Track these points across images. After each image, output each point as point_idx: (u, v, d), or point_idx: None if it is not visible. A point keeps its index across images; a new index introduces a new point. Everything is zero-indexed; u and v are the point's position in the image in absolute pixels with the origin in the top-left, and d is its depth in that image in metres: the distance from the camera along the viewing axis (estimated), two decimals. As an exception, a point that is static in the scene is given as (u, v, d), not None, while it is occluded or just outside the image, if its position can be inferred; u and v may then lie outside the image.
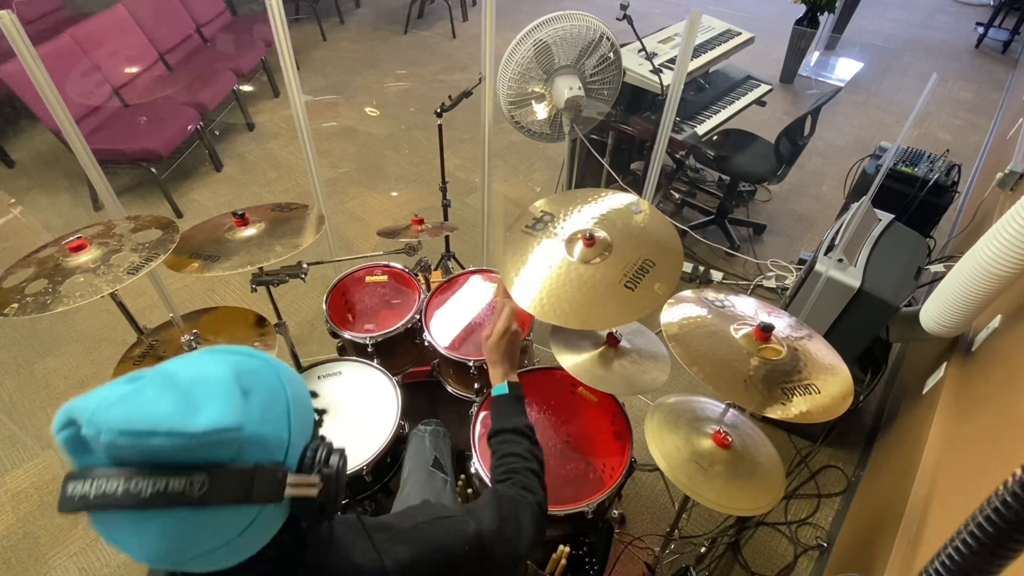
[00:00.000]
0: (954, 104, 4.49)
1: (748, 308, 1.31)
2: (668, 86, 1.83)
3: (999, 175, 2.14)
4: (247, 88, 4.32)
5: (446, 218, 2.51)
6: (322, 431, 0.67)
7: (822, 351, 1.23)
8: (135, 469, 0.48)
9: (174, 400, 0.50)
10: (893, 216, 2.06)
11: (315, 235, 1.48)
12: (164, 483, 0.48)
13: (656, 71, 2.33)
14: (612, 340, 1.43)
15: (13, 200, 3.40)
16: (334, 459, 0.62)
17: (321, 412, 0.67)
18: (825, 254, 1.86)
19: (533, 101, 2.14)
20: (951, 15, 6.22)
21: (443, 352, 1.61)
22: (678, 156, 3.20)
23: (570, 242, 1.32)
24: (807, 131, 2.76)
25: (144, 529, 0.50)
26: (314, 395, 0.67)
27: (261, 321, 1.54)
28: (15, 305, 1.16)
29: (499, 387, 1.07)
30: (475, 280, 1.88)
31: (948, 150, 2.53)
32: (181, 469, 0.49)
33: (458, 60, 5.07)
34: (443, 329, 1.71)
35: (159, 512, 0.49)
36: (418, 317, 1.71)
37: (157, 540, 0.50)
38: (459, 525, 0.78)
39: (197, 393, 0.52)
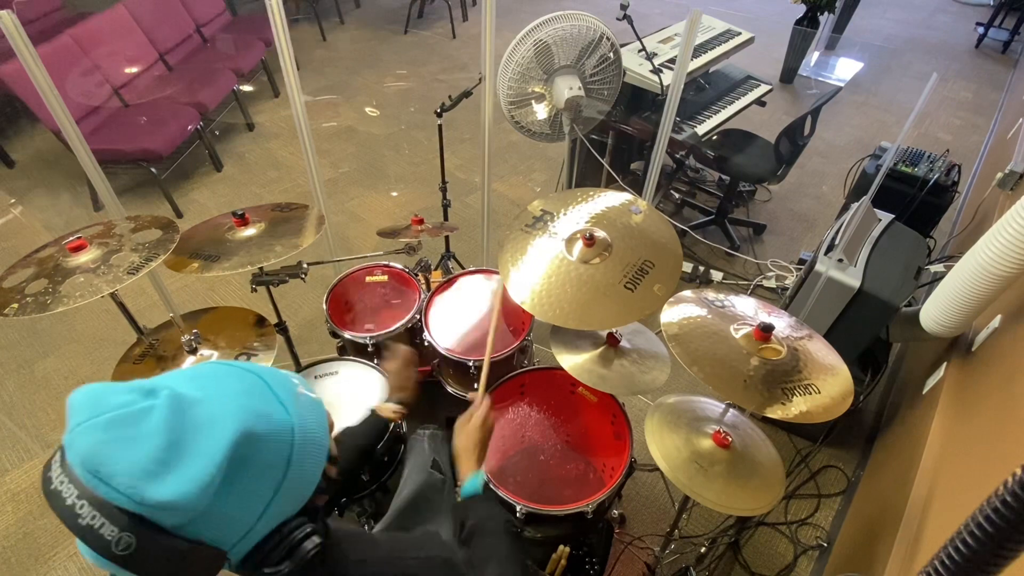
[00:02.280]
0: (954, 104, 4.49)
1: (748, 308, 1.31)
2: (668, 86, 1.83)
3: (999, 175, 2.14)
4: (247, 88, 4.32)
5: (446, 218, 2.50)
6: None
7: (822, 351, 1.23)
8: (95, 487, 0.47)
9: (156, 448, 0.48)
10: (893, 216, 2.06)
11: (315, 235, 1.48)
12: (100, 523, 0.47)
13: (656, 71, 2.33)
14: (612, 340, 1.43)
15: (13, 200, 3.40)
16: (306, 545, 0.57)
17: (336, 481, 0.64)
18: (825, 254, 1.86)
19: (533, 101, 2.14)
20: (951, 15, 6.22)
21: (443, 352, 1.61)
22: (678, 156, 3.20)
23: (570, 242, 1.32)
24: (807, 131, 2.76)
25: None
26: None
27: (261, 321, 1.54)
28: (15, 305, 1.16)
29: (473, 483, 0.97)
30: (475, 280, 1.88)
31: (948, 150, 2.53)
32: (121, 517, 0.47)
33: (458, 60, 5.07)
34: (443, 329, 1.71)
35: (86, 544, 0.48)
36: (418, 317, 1.71)
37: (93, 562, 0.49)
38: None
39: (184, 448, 0.50)
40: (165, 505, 0.48)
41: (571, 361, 1.39)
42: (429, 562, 0.74)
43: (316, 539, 0.58)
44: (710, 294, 1.34)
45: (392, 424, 1.20)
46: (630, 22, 2.10)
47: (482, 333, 1.74)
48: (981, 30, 5.44)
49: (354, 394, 1.52)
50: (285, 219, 1.55)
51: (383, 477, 1.48)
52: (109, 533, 0.47)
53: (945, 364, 1.66)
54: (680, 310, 1.28)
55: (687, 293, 1.33)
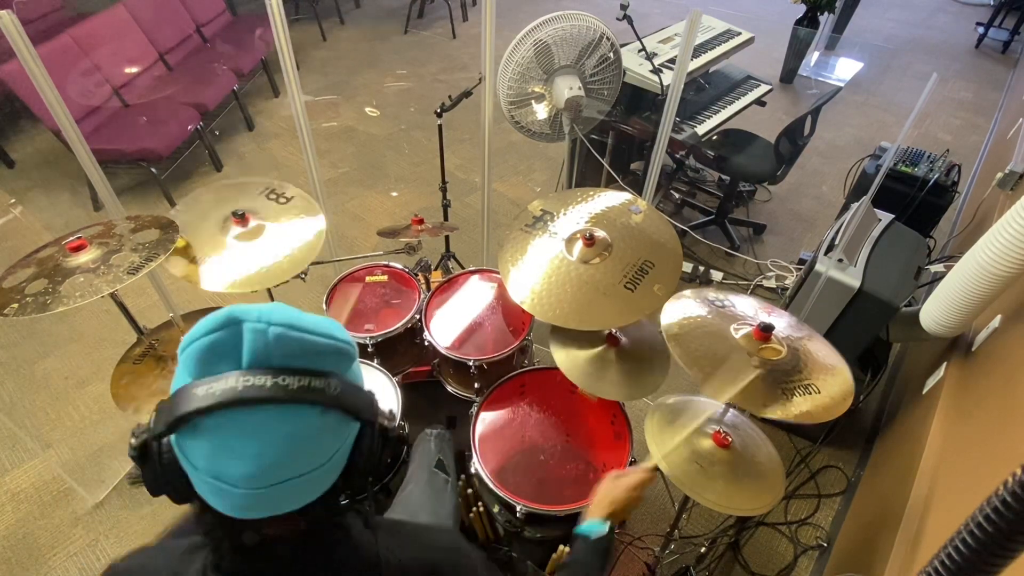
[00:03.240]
0: (954, 104, 4.49)
1: (748, 308, 1.31)
2: (668, 86, 1.83)
3: (999, 175, 2.14)
4: (247, 88, 4.32)
5: (446, 218, 2.50)
6: None
7: (822, 351, 1.23)
8: (281, 368, 0.53)
9: (313, 319, 0.57)
10: (893, 216, 2.06)
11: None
12: (307, 380, 0.53)
13: (656, 71, 2.33)
14: (612, 340, 1.43)
15: (13, 200, 3.40)
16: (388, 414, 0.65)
17: None
18: (825, 254, 1.86)
19: (533, 101, 2.14)
20: (951, 15, 6.22)
21: (443, 352, 1.61)
22: (678, 156, 3.20)
23: (570, 242, 1.32)
24: (807, 131, 2.76)
25: (271, 429, 0.52)
26: None
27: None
28: (15, 305, 1.16)
29: (600, 524, 0.98)
30: (475, 280, 1.88)
31: (948, 150, 2.53)
32: (316, 372, 0.54)
33: (458, 60, 5.07)
34: (443, 329, 1.71)
35: (293, 410, 0.53)
36: (418, 317, 1.71)
37: (277, 443, 0.52)
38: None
39: (323, 321, 0.59)
40: (350, 342, 0.60)
41: (570, 364, 1.39)
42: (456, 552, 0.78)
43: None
44: (710, 294, 1.34)
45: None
46: (630, 22, 2.10)
47: (482, 333, 1.74)
48: (981, 30, 5.44)
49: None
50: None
51: (385, 478, 1.48)
52: (320, 382, 0.54)
53: (945, 364, 1.66)
54: (680, 310, 1.28)
55: (687, 292, 1.33)
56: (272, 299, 1.68)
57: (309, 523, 0.61)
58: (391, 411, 0.64)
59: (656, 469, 1.14)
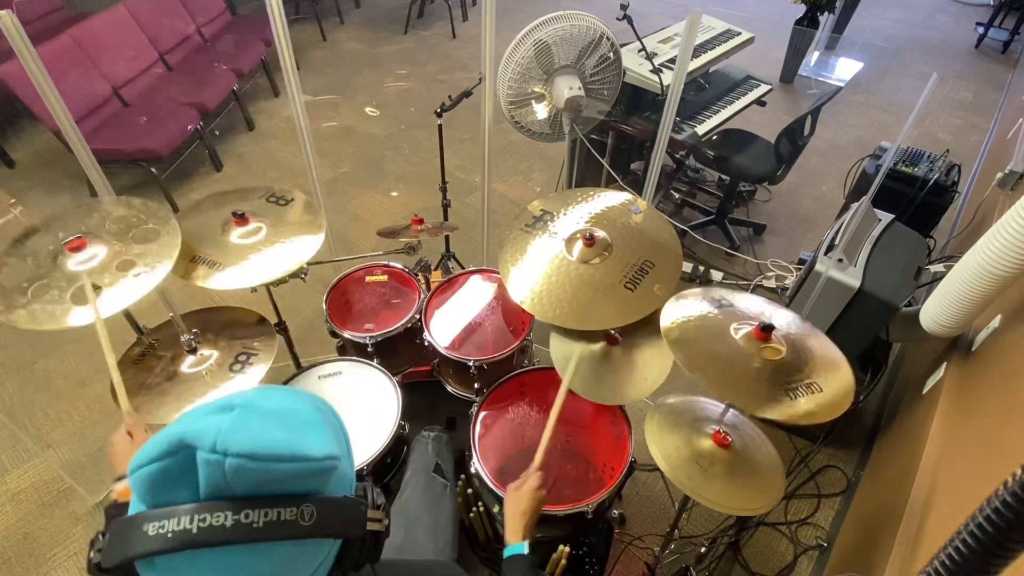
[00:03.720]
0: (954, 104, 4.49)
1: (753, 306, 1.31)
2: (668, 86, 1.83)
3: (999, 175, 2.14)
4: (247, 88, 4.32)
5: (446, 218, 2.50)
6: None
7: (823, 348, 1.23)
8: (242, 501, 0.46)
9: (281, 429, 0.49)
10: (893, 216, 2.06)
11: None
12: (276, 513, 0.47)
13: (656, 71, 2.32)
14: (612, 340, 1.43)
15: (13, 200, 3.40)
16: (380, 499, 0.59)
17: None
18: (825, 254, 1.86)
19: (533, 101, 2.14)
20: (951, 15, 6.21)
21: (443, 352, 1.61)
22: (678, 156, 3.20)
23: (570, 242, 1.32)
24: (807, 131, 2.76)
25: (236, 566, 0.47)
26: None
27: (261, 321, 1.54)
28: (22, 311, 1.16)
29: (519, 546, 0.97)
30: (475, 280, 1.88)
31: (948, 150, 2.53)
32: (286, 499, 0.48)
33: (458, 60, 5.07)
34: (443, 329, 1.71)
35: (261, 548, 0.47)
36: (418, 317, 1.71)
37: None
38: None
39: (294, 424, 0.51)
40: (327, 456, 0.51)
41: (569, 371, 1.38)
42: None
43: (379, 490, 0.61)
44: (714, 293, 1.33)
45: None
46: (630, 22, 2.10)
47: (482, 333, 1.74)
48: (981, 30, 5.44)
49: (358, 395, 1.52)
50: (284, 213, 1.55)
51: (385, 478, 1.48)
52: (291, 514, 0.48)
53: (945, 364, 1.66)
54: (680, 310, 1.28)
55: (688, 291, 1.33)
56: (272, 300, 1.68)
57: None
58: (380, 503, 0.59)
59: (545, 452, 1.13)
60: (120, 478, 0.84)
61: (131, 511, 0.48)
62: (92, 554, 0.51)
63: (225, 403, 0.51)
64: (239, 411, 0.49)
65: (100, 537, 0.51)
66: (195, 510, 0.45)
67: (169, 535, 0.45)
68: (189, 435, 0.46)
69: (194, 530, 0.45)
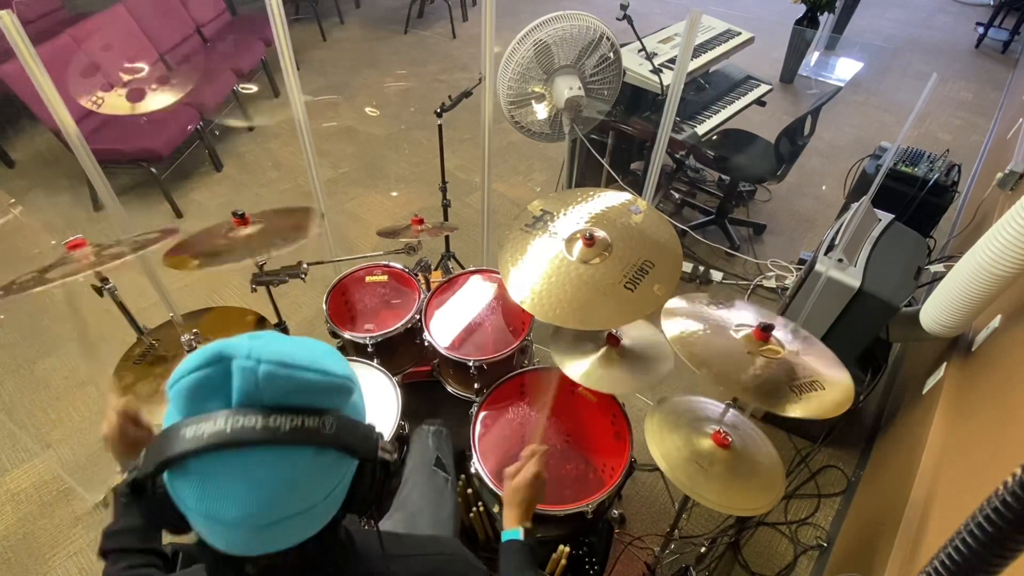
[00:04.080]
0: (954, 104, 4.49)
1: (746, 317, 1.31)
2: (668, 86, 1.83)
3: (999, 175, 2.14)
4: (247, 88, 4.31)
5: (446, 218, 2.50)
6: None
7: (819, 354, 1.23)
8: (271, 407, 0.51)
9: (306, 351, 0.54)
10: (893, 216, 2.06)
11: (315, 235, 1.48)
12: (300, 420, 0.51)
13: (656, 71, 2.32)
14: (612, 340, 1.43)
15: (13, 200, 3.40)
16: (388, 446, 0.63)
17: None
18: (825, 254, 1.86)
19: (533, 101, 2.14)
20: (951, 15, 6.21)
21: (443, 352, 1.61)
22: (678, 156, 3.20)
23: (570, 242, 1.32)
24: (807, 131, 2.76)
25: (262, 472, 0.50)
26: None
27: (261, 321, 1.54)
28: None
29: (514, 532, 0.98)
30: (475, 280, 1.88)
31: (948, 150, 2.53)
32: (310, 410, 0.52)
33: (458, 60, 5.07)
34: (443, 329, 1.71)
35: (286, 451, 0.51)
36: (418, 317, 1.71)
37: (270, 485, 0.51)
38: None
39: (315, 350, 0.56)
40: (346, 376, 0.57)
41: (572, 364, 1.39)
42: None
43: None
44: (705, 309, 1.33)
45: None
46: (630, 22, 2.10)
47: (482, 333, 1.74)
48: (981, 30, 5.44)
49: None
50: (285, 219, 1.55)
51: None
52: (313, 422, 0.52)
53: (945, 364, 1.66)
54: (678, 324, 1.28)
55: (682, 305, 1.32)
56: (272, 300, 1.68)
57: (311, 553, 0.60)
58: (390, 441, 0.63)
59: (541, 440, 1.12)
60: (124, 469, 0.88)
61: (167, 422, 0.52)
62: (126, 477, 0.54)
63: (256, 334, 0.55)
64: (268, 336, 0.55)
65: (131, 464, 0.54)
66: (229, 414, 0.50)
67: (204, 436, 0.49)
68: (226, 347, 0.51)
69: (227, 430, 0.49)
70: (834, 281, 1.80)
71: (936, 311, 1.56)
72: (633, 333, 1.50)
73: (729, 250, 3.07)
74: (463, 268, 2.44)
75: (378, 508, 0.62)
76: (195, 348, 1.40)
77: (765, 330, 1.16)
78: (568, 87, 2.04)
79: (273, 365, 0.50)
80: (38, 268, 1.24)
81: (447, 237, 2.57)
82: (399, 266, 1.91)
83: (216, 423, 0.49)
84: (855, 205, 2.05)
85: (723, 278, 2.93)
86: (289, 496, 0.52)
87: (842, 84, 4.72)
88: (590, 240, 1.28)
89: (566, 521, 1.33)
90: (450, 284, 1.86)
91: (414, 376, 1.83)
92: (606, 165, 2.54)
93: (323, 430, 0.52)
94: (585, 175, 2.85)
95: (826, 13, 4.44)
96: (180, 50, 4.03)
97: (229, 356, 0.51)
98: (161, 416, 0.54)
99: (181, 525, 0.54)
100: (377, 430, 0.60)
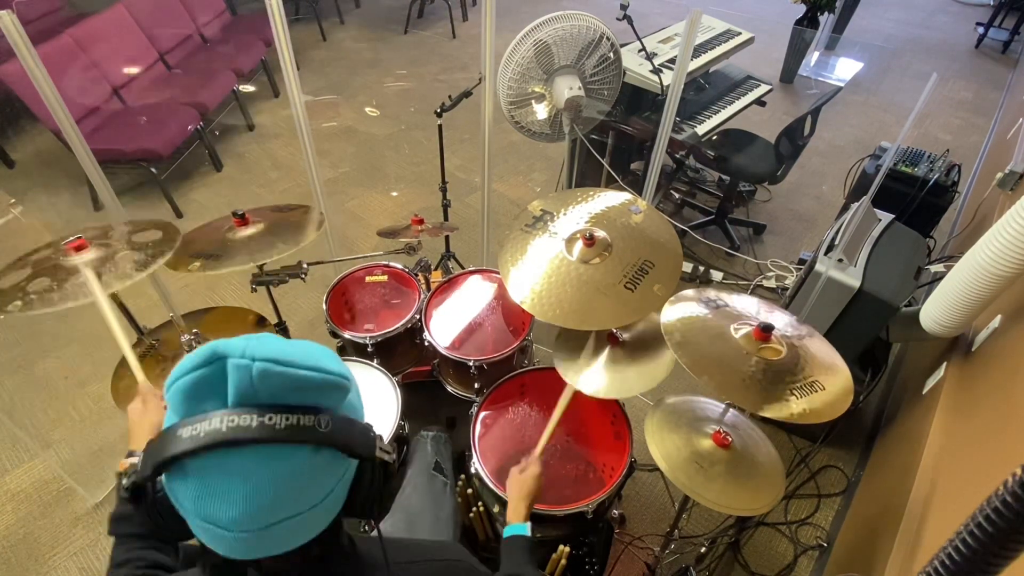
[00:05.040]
0: (954, 104, 4.49)
1: (748, 307, 1.31)
2: (668, 86, 1.83)
3: (999, 175, 2.14)
4: (247, 88, 4.32)
5: (446, 218, 2.51)
6: None
7: (822, 350, 1.23)
8: (267, 405, 0.51)
9: (300, 350, 0.54)
10: (893, 216, 2.06)
11: (315, 235, 1.48)
12: (296, 419, 0.51)
13: (656, 71, 2.32)
14: (612, 339, 1.43)
15: (13, 200, 3.40)
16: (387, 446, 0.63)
17: None
18: (825, 254, 1.86)
19: (533, 101, 2.14)
20: (951, 15, 6.21)
21: (443, 352, 1.61)
22: (678, 156, 3.20)
23: (570, 242, 1.32)
24: (807, 131, 2.76)
25: (259, 470, 0.50)
26: None
27: (261, 321, 1.54)
28: (19, 302, 1.15)
29: (521, 527, 1.02)
30: (475, 280, 1.88)
31: (948, 150, 2.53)
32: (306, 408, 0.52)
33: (458, 60, 5.07)
34: (443, 329, 1.71)
35: (282, 450, 0.51)
36: (418, 317, 1.71)
37: (267, 485, 0.51)
38: None
39: (309, 349, 0.56)
40: (342, 374, 0.56)
41: (574, 371, 1.38)
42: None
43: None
44: (710, 293, 1.33)
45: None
46: (630, 22, 2.10)
47: (482, 333, 1.74)
48: (981, 30, 5.44)
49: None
50: (285, 219, 1.55)
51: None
52: (309, 420, 0.52)
53: (945, 364, 1.66)
54: (679, 310, 1.28)
55: (687, 292, 1.33)
56: (272, 300, 1.68)
57: (314, 558, 0.59)
58: (390, 442, 0.62)
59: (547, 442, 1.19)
60: (130, 454, 0.90)
61: (167, 425, 0.52)
62: (125, 481, 0.54)
63: (246, 336, 0.55)
64: (264, 337, 0.54)
65: (130, 466, 0.54)
66: (225, 414, 0.50)
67: (201, 435, 0.49)
68: (221, 347, 0.51)
69: (223, 428, 0.49)
70: (834, 281, 1.80)
71: (936, 311, 1.56)
72: (632, 334, 1.50)
73: (729, 250, 3.07)
74: (463, 268, 2.44)
75: (380, 510, 0.61)
76: (195, 348, 1.40)
77: (765, 330, 1.16)
78: (568, 87, 2.04)
79: (267, 363, 0.50)
80: (47, 277, 1.24)
81: (447, 237, 2.57)
82: (399, 266, 1.91)
83: (212, 422, 0.49)
84: (855, 205, 2.05)
85: (723, 278, 2.93)
86: (287, 496, 0.52)
87: (842, 84, 4.72)
88: (590, 240, 1.28)
89: (566, 521, 1.33)
90: (450, 284, 1.86)
91: (414, 376, 1.83)
92: (606, 165, 2.54)
93: (319, 428, 0.52)
94: (585, 175, 2.85)
95: (826, 13, 4.45)
96: (180, 50, 4.04)
97: (224, 355, 0.51)
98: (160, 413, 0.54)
99: (181, 531, 0.54)
100: (375, 430, 0.60)
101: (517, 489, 1.07)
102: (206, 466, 0.50)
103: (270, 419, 0.50)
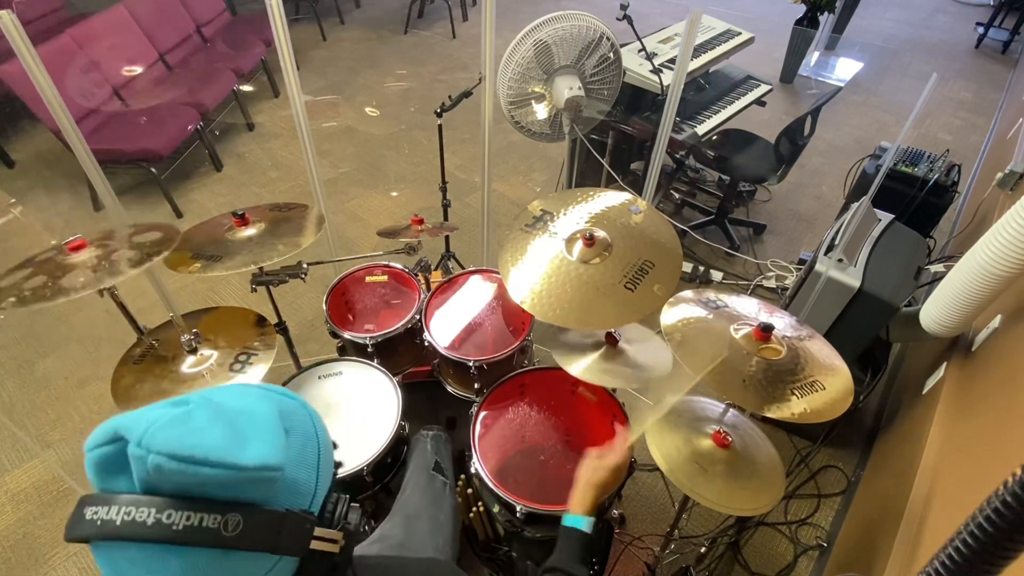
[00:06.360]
0: (954, 104, 4.49)
1: (748, 308, 1.31)
2: (668, 86, 1.83)
3: (999, 175, 2.14)
4: (247, 88, 4.32)
5: (446, 218, 2.50)
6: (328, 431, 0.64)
7: (822, 350, 1.23)
8: (170, 500, 0.46)
9: (223, 431, 0.49)
10: (893, 216, 2.06)
11: (315, 235, 1.48)
12: (199, 518, 0.46)
13: (656, 71, 2.33)
14: (611, 339, 1.43)
15: (13, 200, 3.40)
16: (352, 516, 0.59)
17: (337, 465, 0.63)
18: (825, 254, 1.86)
19: (533, 101, 2.14)
20: (951, 15, 6.22)
21: (443, 352, 1.61)
22: (678, 156, 3.20)
23: (570, 242, 1.32)
24: (807, 131, 2.76)
25: (160, 566, 0.47)
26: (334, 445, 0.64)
27: (261, 321, 1.54)
28: (12, 299, 1.15)
29: (582, 520, 0.94)
30: (475, 280, 1.88)
31: (948, 150, 2.53)
32: (215, 505, 0.47)
33: (458, 60, 5.07)
34: (443, 329, 1.71)
35: (183, 550, 0.47)
36: (418, 317, 1.71)
37: None
38: None
39: (243, 426, 0.51)
40: (261, 467, 0.49)
41: (572, 362, 1.39)
42: None
43: (357, 506, 0.60)
44: (710, 294, 1.34)
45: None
46: (630, 22, 2.10)
47: (482, 333, 1.74)
48: (981, 30, 5.44)
49: (359, 396, 1.52)
50: (285, 219, 1.55)
51: (386, 478, 1.48)
52: (213, 521, 0.47)
53: (945, 364, 1.66)
54: (680, 311, 1.28)
55: (687, 293, 1.33)
56: (272, 300, 1.68)
57: None
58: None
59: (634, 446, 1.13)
60: None
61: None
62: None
63: (185, 399, 0.51)
64: (191, 407, 0.49)
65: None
66: (125, 502, 0.46)
67: (99, 523, 0.46)
68: (123, 426, 0.47)
69: (118, 522, 0.46)
70: (834, 281, 1.80)
71: (936, 311, 1.56)
72: (632, 334, 1.50)
73: (729, 250, 3.07)
74: (463, 268, 2.44)
75: (344, 570, 0.58)
76: (195, 348, 1.40)
77: (765, 330, 1.16)
78: (568, 87, 2.04)
79: (163, 457, 0.45)
80: (46, 273, 1.24)
81: (447, 237, 2.57)
82: (399, 266, 1.91)
83: (110, 512, 0.46)
84: (855, 205, 2.05)
85: (723, 278, 2.93)
86: None
87: (842, 84, 4.72)
88: (590, 240, 1.28)
89: (566, 521, 1.33)
90: (450, 284, 1.86)
91: (414, 376, 1.83)
92: (606, 165, 2.54)
93: (224, 531, 0.47)
94: (585, 175, 2.85)
95: (826, 13, 4.45)
96: (180, 50, 4.04)
97: (123, 437, 0.47)
98: None
99: None
100: (330, 514, 0.56)
101: (589, 475, 0.99)
102: (112, 551, 0.48)
103: (168, 517, 0.46)
